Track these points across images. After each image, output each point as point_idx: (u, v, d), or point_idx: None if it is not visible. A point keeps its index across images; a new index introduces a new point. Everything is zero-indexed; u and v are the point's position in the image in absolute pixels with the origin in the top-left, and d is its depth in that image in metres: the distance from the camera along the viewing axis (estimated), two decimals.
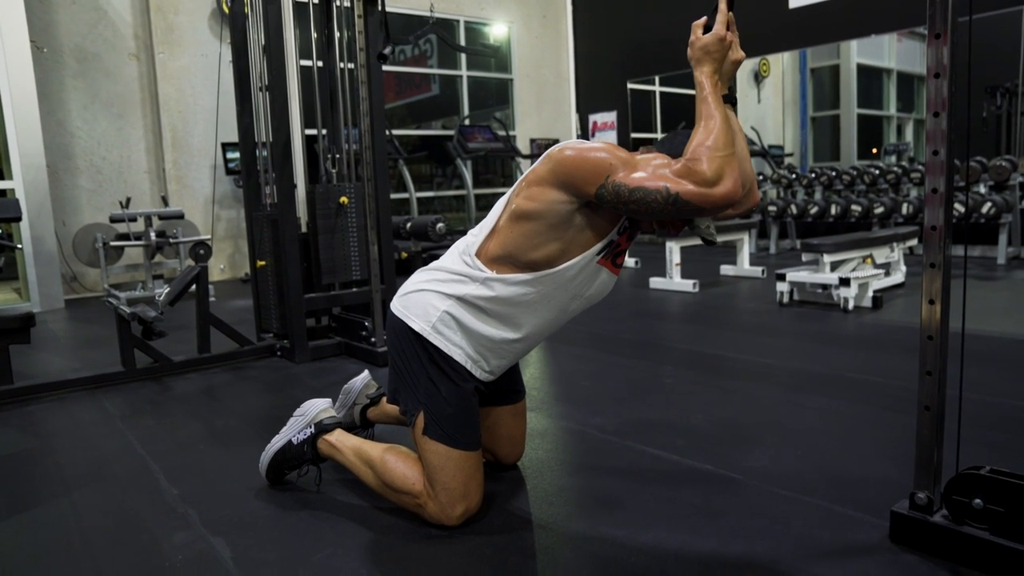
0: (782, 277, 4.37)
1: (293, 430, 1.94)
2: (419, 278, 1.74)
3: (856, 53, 8.97)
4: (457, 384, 1.65)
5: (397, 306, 1.73)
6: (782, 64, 9.45)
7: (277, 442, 1.94)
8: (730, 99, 1.58)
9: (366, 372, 2.25)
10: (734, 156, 1.41)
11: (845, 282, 4.07)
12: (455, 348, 1.65)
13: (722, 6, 1.55)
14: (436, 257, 5.05)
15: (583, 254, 1.57)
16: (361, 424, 2.18)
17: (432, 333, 1.64)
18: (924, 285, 1.42)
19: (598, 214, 1.54)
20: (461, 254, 1.67)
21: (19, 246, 5.43)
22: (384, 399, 2.17)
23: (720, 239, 6.18)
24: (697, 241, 5.60)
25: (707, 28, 1.55)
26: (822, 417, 2.37)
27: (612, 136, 9.45)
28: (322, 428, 1.90)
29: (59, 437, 2.50)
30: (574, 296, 1.65)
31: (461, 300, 1.63)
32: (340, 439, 1.87)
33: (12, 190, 5.41)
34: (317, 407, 1.96)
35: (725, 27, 1.53)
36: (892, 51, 9.23)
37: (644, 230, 1.66)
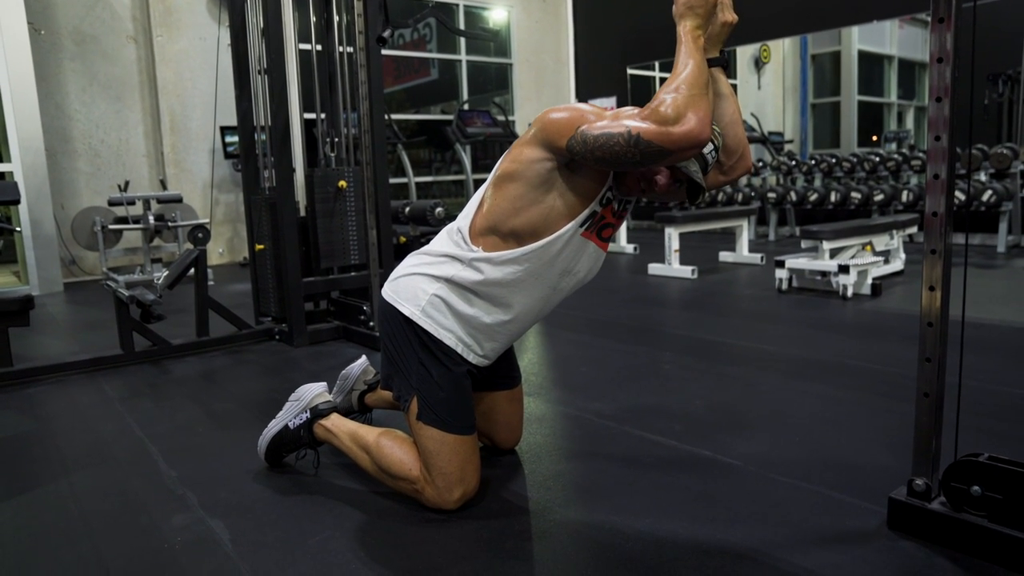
0: (781, 264, 4.36)
1: (289, 415, 1.94)
2: (409, 262, 1.74)
3: (857, 39, 8.92)
4: (449, 368, 1.65)
5: (387, 291, 1.73)
6: (783, 50, 9.40)
7: (274, 426, 1.94)
8: (720, 61, 1.55)
9: (364, 358, 2.24)
10: (702, 97, 1.36)
11: (844, 269, 4.06)
12: (446, 332, 1.64)
13: None
14: None
15: (566, 226, 1.55)
16: (359, 409, 2.19)
17: (422, 317, 1.64)
18: (924, 272, 1.42)
19: (578, 177, 1.53)
20: (450, 233, 1.67)
21: (17, 229, 5.42)
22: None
23: (719, 226, 6.18)
24: (696, 227, 5.59)
25: None
26: (821, 404, 2.37)
27: None
28: (317, 413, 1.91)
29: (58, 419, 2.50)
30: (563, 272, 1.64)
31: (450, 282, 1.63)
32: (336, 424, 1.87)
33: (11, 173, 5.39)
34: (312, 392, 1.96)
35: None
36: (894, 38, 9.18)
37: (632, 190, 1.59)
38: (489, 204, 1.60)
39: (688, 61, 1.42)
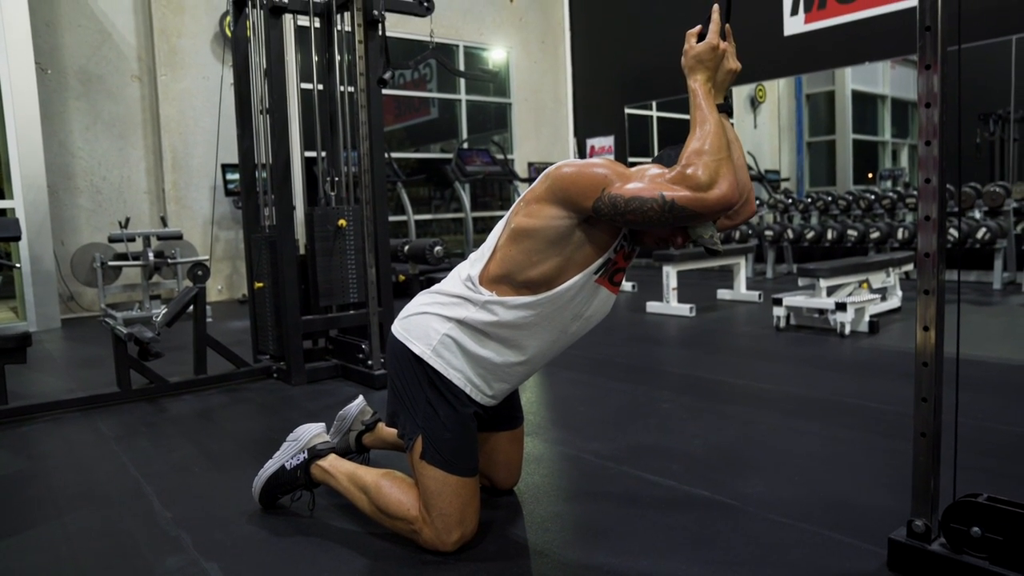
0: (778, 302, 4.38)
1: (286, 455, 1.93)
2: (420, 300, 1.74)
3: (851, 80, 9.07)
4: (456, 409, 1.64)
5: (398, 328, 1.73)
6: (778, 90, 9.55)
7: (270, 467, 1.93)
8: (725, 108, 1.58)
9: (361, 398, 2.24)
10: (729, 160, 1.41)
11: (841, 307, 4.08)
12: (455, 372, 1.64)
13: (715, 16, 1.56)
14: (433, 280, 5.05)
15: (581, 273, 1.57)
16: (356, 450, 2.17)
17: (432, 356, 1.64)
18: (918, 311, 1.43)
19: (596, 230, 1.55)
20: (462, 279, 1.66)
21: (17, 265, 5.44)
22: (380, 425, 2.16)
23: (717, 263, 6.21)
24: (694, 265, 5.62)
25: (700, 37, 1.56)
26: (819, 443, 2.36)
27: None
28: (315, 454, 1.90)
29: (52, 458, 2.48)
30: (574, 316, 1.65)
31: (462, 323, 1.63)
32: (334, 464, 1.86)
33: (12, 209, 5.43)
34: (311, 432, 1.95)
35: (718, 36, 1.54)
36: (886, 78, 9.33)
37: (647, 244, 1.65)
38: (502, 254, 1.60)
39: (708, 119, 1.45)
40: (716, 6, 1.56)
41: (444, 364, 1.64)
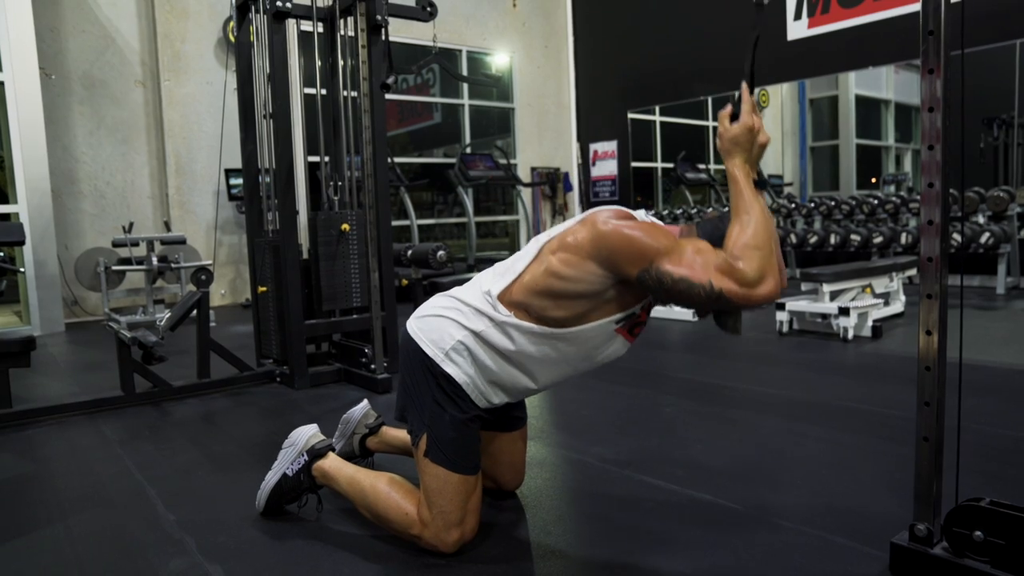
0: (781, 306, 4.37)
1: (286, 462, 1.92)
2: (439, 303, 1.74)
3: (854, 84, 9.08)
4: (462, 410, 1.65)
5: (413, 327, 1.73)
6: (781, 95, 9.55)
7: (271, 478, 1.92)
8: (760, 183, 1.58)
9: (365, 402, 2.24)
10: (773, 254, 1.42)
11: (844, 311, 4.07)
12: (464, 377, 1.65)
13: (746, 95, 1.56)
14: (436, 285, 5.04)
15: (602, 320, 1.58)
16: (360, 453, 2.18)
17: (444, 360, 1.65)
18: (921, 316, 1.43)
19: (629, 289, 1.55)
20: (483, 292, 1.66)
21: (21, 270, 5.46)
22: (384, 428, 2.17)
23: None
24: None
25: (734, 117, 1.56)
26: (822, 447, 2.36)
27: (612, 165, 9.52)
28: (315, 453, 1.90)
29: (56, 462, 2.49)
30: (586, 357, 1.66)
31: (477, 336, 1.63)
32: (335, 466, 1.87)
33: (16, 214, 5.45)
34: (306, 434, 1.95)
35: (751, 115, 1.54)
36: (890, 82, 9.34)
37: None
38: (529, 285, 1.58)
39: (752, 206, 1.47)
40: (744, 84, 1.57)
41: (455, 369, 1.64)
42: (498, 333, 1.62)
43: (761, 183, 1.57)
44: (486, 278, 1.70)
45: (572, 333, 1.59)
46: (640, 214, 1.60)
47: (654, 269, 1.45)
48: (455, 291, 1.75)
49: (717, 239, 1.50)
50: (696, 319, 1.38)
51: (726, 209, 1.47)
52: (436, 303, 1.75)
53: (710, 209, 8.67)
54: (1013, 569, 1.34)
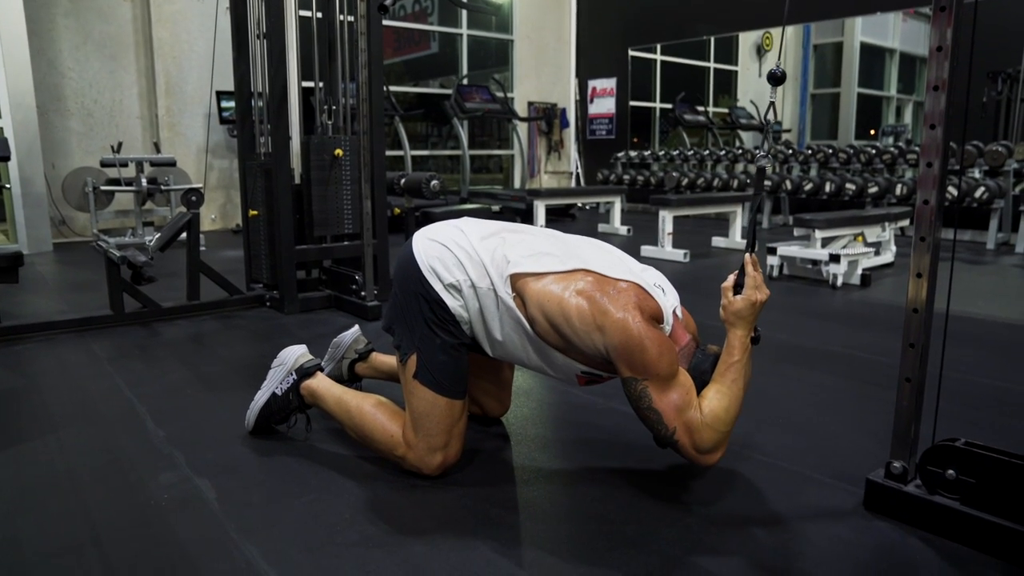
0: (773, 251, 4.39)
1: (274, 381, 1.94)
2: (452, 236, 1.70)
3: (860, 31, 8.90)
4: (453, 335, 1.66)
5: (419, 249, 1.70)
6: (784, 39, 9.37)
7: (261, 397, 1.94)
8: (755, 340, 1.61)
9: (356, 327, 2.25)
10: (729, 433, 1.55)
11: (835, 258, 4.09)
12: (460, 309, 1.65)
13: (749, 268, 1.58)
14: (429, 215, 4.98)
15: (573, 362, 1.61)
16: (348, 378, 2.19)
17: (443, 291, 1.64)
18: (912, 259, 1.44)
19: (609, 367, 1.57)
20: (502, 258, 1.62)
21: (7, 186, 5.38)
22: (373, 354, 2.18)
23: (713, 211, 6.19)
24: (690, 211, 5.60)
25: (737, 287, 1.59)
26: (805, 388, 2.40)
27: (610, 103, 9.37)
28: (303, 372, 1.91)
29: (46, 377, 2.50)
30: (539, 368, 1.69)
31: (475, 288, 1.63)
32: (323, 386, 1.88)
33: (0, 129, 5.33)
34: (294, 353, 1.96)
35: (755, 292, 1.57)
36: (896, 31, 9.17)
37: None
38: (541, 296, 1.55)
39: (738, 381, 1.56)
40: (747, 256, 1.59)
41: (452, 300, 1.64)
42: (491, 300, 1.62)
43: (755, 340, 1.61)
44: (511, 242, 1.66)
45: (544, 348, 1.61)
46: (669, 303, 1.60)
47: (642, 385, 1.50)
48: (472, 231, 1.71)
49: (699, 382, 1.57)
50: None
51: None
52: (449, 234, 1.70)
53: (717, 149, 8.59)
54: (980, 506, 1.38)
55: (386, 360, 2.16)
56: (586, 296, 1.52)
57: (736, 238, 5.68)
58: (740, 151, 8.36)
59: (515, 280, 1.60)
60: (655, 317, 1.54)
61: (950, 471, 1.42)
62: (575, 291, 1.53)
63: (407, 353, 1.67)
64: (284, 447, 1.89)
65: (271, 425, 1.96)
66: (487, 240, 1.68)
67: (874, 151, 7.03)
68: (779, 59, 1.60)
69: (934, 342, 1.48)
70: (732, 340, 1.58)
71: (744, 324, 1.58)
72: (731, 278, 1.61)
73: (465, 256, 1.65)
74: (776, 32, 8.88)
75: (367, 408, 1.76)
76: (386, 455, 1.73)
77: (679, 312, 1.66)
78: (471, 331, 1.68)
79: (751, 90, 9.93)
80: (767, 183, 7.17)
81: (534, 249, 1.64)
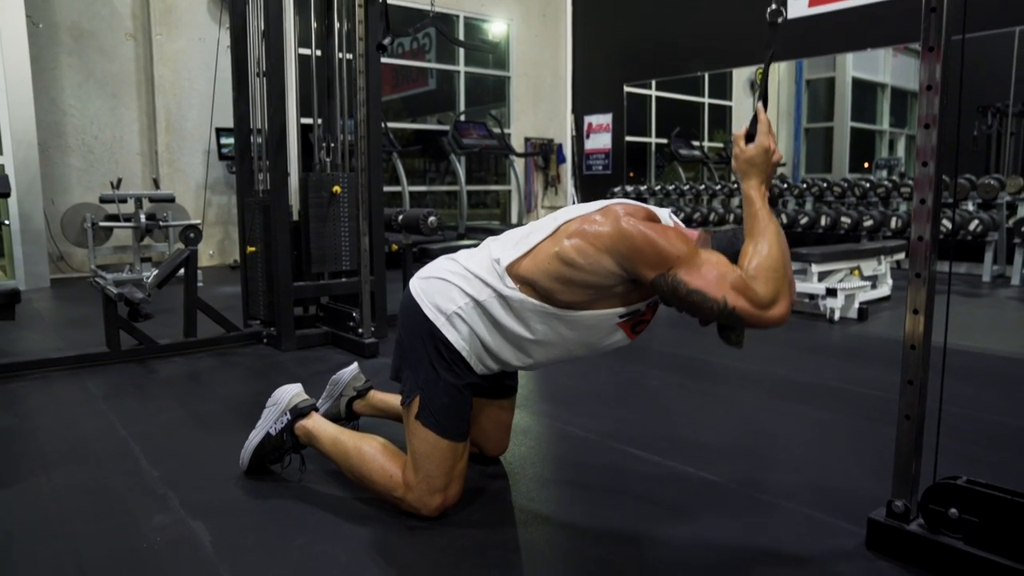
0: None
1: (269, 421, 1.92)
2: (445, 266, 1.71)
3: (852, 67, 9.02)
4: (457, 375, 1.65)
5: (416, 288, 1.71)
6: (778, 74, 9.49)
7: (255, 437, 1.92)
8: (772, 201, 1.57)
9: (355, 364, 2.24)
10: (787, 277, 1.43)
11: (832, 293, 4.10)
12: (463, 343, 1.65)
13: (761, 115, 1.56)
14: (426, 251, 4.99)
15: (607, 311, 1.57)
16: (346, 416, 2.18)
17: (445, 324, 1.64)
18: (909, 295, 1.44)
19: (638, 288, 1.54)
20: (492, 260, 1.63)
21: (6, 222, 5.39)
22: (371, 392, 2.17)
23: None
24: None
25: (749, 137, 1.56)
26: (804, 425, 2.39)
27: (606, 138, 9.46)
28: (298, 412, 1.89)
29: (40, 415, 2.48)
30: (584, 344, 1.65)
31: (479, 304, 1.62)
32: (318, 426, 1.86)
33: (2, 166, 5.37)
34: (289, 393, 1.95)
35: (768, 136, 1.54)
36: (887, 66, 9.29)
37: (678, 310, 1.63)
38: (539, 264, 1.55)
39: (768, 227, 1.47)
40: (759, 105, 1.57)
41: (455, 335, 1.64)
42: (501, 306, 1.61)
43: (773, 200, 1.56)
44: (496, 246, 1.67)
45: (574, 317, 1.57)
46: (664, 215, 1.59)
47: (671, 276, 1.44)
48: (462, 255, 1.72)
49: (732, 255, 1.49)
50: (700, 324, 1.41)
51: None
52: (442, 266, 1.73)
53: (713, 184, 8.66)
54: (986, 546, 1.37)
55: (384, 398, 2.14)
56: (576, 234, 1.52)
57: None
58: (736, 186, 8.43)
59: (512, 270, 1.59)
60: (649, 217, 1.53)
61: (953, 510, 1.40)
62: (565, 238, 1.53)
63: (411, 395, 1.66)
64: (279, 488, 1.87)
65: (265, 465, 1.94)
66: (475, 255, 1.70)
67: (868, 184, 7.08)
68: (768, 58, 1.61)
69: (932, 377, 1.48)
70: (748, 191, 1.53)
71: (757, 172, 1.54)
72: (743, 128, 1.58)
73: (461, 279, 1.66)
74: (770, 68, 9.00)
75: (365, 448, 1.74)
76: (383, 496, 1.71)
77: (676, 220, 1.62)
78: (479, 362, 1.67)
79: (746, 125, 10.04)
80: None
81: (516, 237, 1.65)
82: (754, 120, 1.57)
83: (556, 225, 1.59)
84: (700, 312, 1.46)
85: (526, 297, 1.58)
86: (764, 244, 1.45)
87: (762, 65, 1.63)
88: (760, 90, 1.62)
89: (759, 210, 1.50)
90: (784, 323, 1.44)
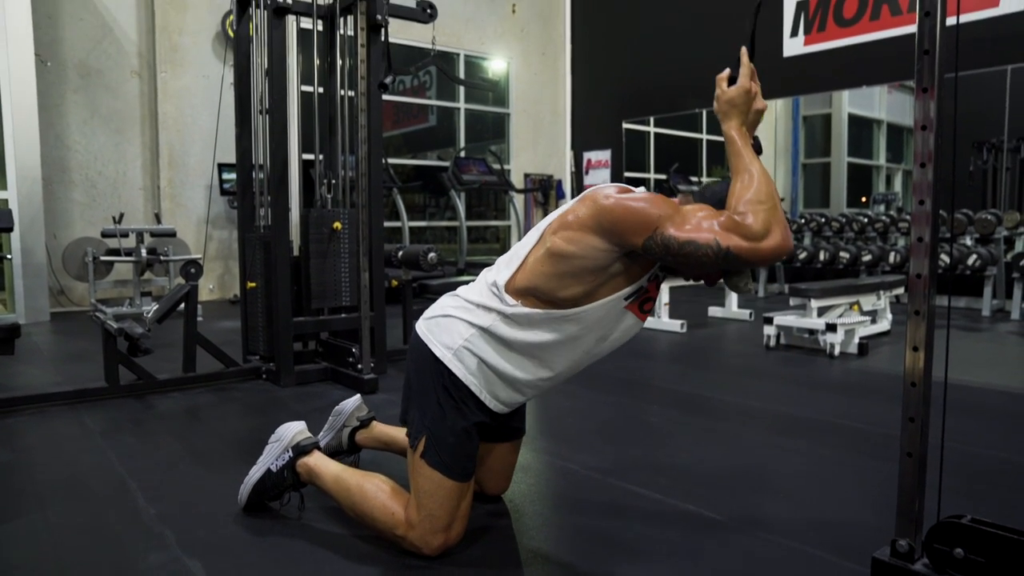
0: (769, 321, 4.39)
1: (270, 457, 1.91)
2: (446, 303, 1.73)
3: (848, 103, 9.14)
4: (464, 415, 1.65)
5: (422, 328, 1.73)
6: (775, 111, 9.61)
7: (255, 473, 1.91)
8: (756, 148, 1.59)
9: (358, 395, 2.23)
10: (777, 208, 1.42)
11: (832, 328, 4.10)
12: (472, 378, 1.65)
13: (744, 59, 1.58)
14: (426, 287, 5.01)
15: (611, 296, 1.57)
16: (348, 448, 2.17)
17: (452, 360, 1.64)
18: (908, 332, 1.44)
19: (635, 262, 1.55)
20: (489, 285, 1.65)
21: (8, 256, 5.40)
22: (374, 423, 2.16)
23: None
24: (686, 282, 5.64)
25: (731, 80, 1.58)
26: (805, 461, 2.37)
27: (605, 174, 9.54)
28: (300, 450, 1.88)
29: (36, 451, 2.46)
30: (599, 338, 1.65)
31: (486, 331, 1.63)
32: (320, 463, 1.85)
33: (5, 200, 5.40)
34: (292, 430, 1.94)
35: (749, 79, 1.56)
36: (883, 103, 9.41)
37: (685, 277, 1.67)
38: (533, 270, 1.58)
39: (751, 164, 1.48)
40: (744, 48, 1.59)
41: (463, 369, 1.64)
42: (507, 325, 1.61)
43: (756, 148, 1.58)
44: (491, 272, 1.69)
45: (582, 313, 1.57)
46: (640, 190, 1.60)
47: (659, 235, 1.44)
48: (461, 290, 1.74)
49: (718, 203, 1.50)
50: (706, 285, 1.40)
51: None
52: (444, 303, 1.74)
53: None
54: None
55: (387, 430, 2.13)
56: (561, 227, 1.55)
57: (733, 307, 5.69)
58: None
59: (510, 287, 1.61)
60: (624, 191, 1.54)
61: (958, 550, 1.39)
62: (551, 235, 1.56)
63: (418, 435, 1.65)
64: (277, 526, 1.85)
65: (264, 501, 1.92)
66: (474, 286, 1.72)
67: (866, 219, 7.13)
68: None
69: (934, 413, 1.47)
70: (729, 131, 1.54)
71: (738, 113, 1.54)
72: (727, 71, 1.58)
73: (463, 311, 1.67)
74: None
75: (368, 486, 1.73)
76: (385, 534, 1.69)
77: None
78: (490, 396, 1.67)
79: None
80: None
81: (507, 258, 1.68)
82: (737, 64, 1.58)
83: (540, 232, 1.62)
84: (697, 263, 1.45)
85: (530, 309, 1.59)
86: (749, 180, 1.45)
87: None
88: (748, 36, 1.62)
89: (741, 148, 1.51)
90: (785, 254, 1.42)
